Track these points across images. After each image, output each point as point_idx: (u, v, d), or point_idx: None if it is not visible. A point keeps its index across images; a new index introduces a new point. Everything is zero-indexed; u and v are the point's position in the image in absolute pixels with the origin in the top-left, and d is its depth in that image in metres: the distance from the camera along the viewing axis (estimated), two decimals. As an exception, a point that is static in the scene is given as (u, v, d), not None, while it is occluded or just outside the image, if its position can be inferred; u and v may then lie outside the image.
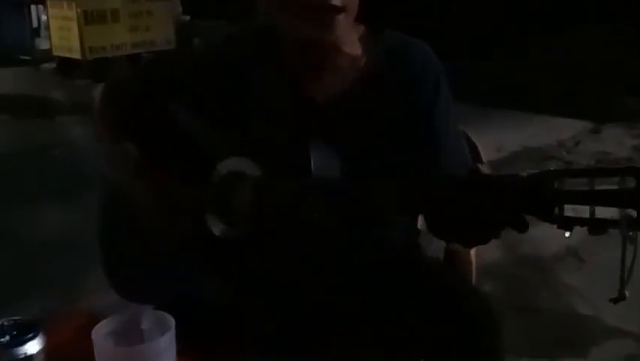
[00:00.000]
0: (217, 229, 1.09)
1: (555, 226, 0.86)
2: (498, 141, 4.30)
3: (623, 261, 0.83)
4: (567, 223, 0.86)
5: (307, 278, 1.17)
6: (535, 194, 0.87)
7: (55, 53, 7.35)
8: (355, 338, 1.20)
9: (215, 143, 1.14)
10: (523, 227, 0.90)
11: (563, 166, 4.23)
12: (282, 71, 1.21)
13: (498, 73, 5.50)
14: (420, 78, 1.20)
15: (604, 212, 0.83)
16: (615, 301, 0.87)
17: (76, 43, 6.95)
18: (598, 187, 0.83)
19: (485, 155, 1.41)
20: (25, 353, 0.91)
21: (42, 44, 7.93)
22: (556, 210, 0.86)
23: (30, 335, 0.92)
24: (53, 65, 7.43)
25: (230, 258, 1.11)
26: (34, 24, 8.21)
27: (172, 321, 0.94)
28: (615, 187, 0.82)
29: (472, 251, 1.40)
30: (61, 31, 7.12)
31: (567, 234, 0.87)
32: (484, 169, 0.94)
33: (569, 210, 0.86)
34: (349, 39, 1.19)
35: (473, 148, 1.40)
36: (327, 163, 1.07)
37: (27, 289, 2.63)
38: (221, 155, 1.11)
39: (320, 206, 1.03)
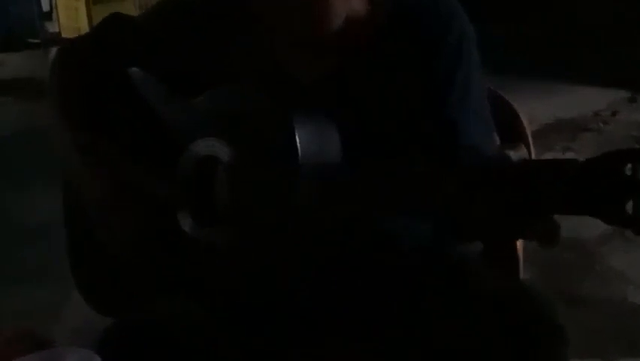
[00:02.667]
0: (187, 224, 0.88)
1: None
2: (528, 112, 4.03)
3: None
4: None
5: (306, 291, 0.93)
6: (597, 185, 0.64)
7: (63, 35, 7.15)
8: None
9: (182, 119, 0.94)
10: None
11: (600, 138, 3.95)
12: (262, 35, 1.03)
13: (525, 39, 5.21)
14: (438, 40, 1.00)
15: None
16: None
17: (84, 24, 6.73)
18: None
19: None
20: None
21: (53, 27, 7.75)
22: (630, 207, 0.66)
23: None
24: (63, 47, 7.28)
25: (204, 264, 0.88)
26: (46, 7, 8.07)
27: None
28: None
29: (519, 243, 1.15)
30: (68, 11, 6.96)
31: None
32: (520, 153, 0.71)
33: None
34: None
35: (514, 118, 1.20)
36: (316, 143, 0.87)
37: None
38: (190, 134, 0.92)
39: (313, 194, 0.82)
